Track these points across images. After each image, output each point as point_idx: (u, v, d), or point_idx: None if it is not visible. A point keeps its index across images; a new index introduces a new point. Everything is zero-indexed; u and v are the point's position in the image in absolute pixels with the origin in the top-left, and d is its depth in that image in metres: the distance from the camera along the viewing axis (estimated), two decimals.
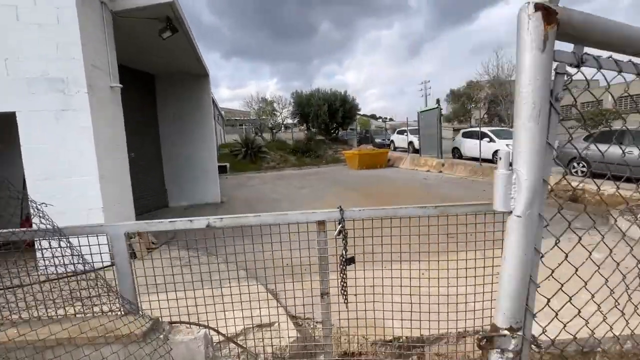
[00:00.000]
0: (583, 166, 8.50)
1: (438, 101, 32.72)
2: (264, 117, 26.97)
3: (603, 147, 1.13)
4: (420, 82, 65.09)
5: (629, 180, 1.18)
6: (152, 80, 8.03)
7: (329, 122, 22.01)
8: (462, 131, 14.49)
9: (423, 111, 14.40)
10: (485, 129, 12.68)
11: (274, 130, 23.58)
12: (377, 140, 21.79)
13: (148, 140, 7.90)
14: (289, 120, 26.22)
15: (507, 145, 11.40)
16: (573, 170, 8.82)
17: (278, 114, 26.54)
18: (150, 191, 7.93)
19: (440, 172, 12.70)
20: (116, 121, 4.50)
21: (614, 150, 1.42)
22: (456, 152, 14.27)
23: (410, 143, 17.36)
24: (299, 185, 11.48)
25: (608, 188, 7.10)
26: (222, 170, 18.51)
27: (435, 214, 1.68)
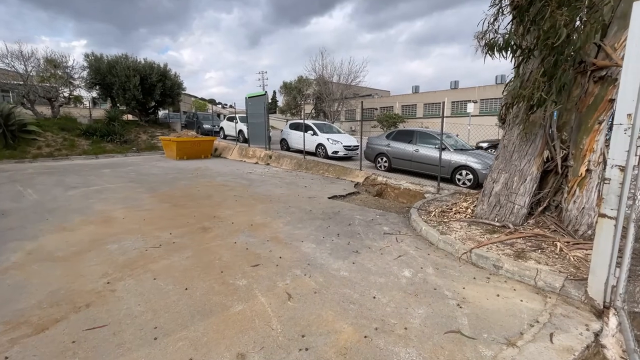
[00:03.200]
0: (386, 161, 9.56)
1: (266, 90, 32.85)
2: (51, 84, 18.91)
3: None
4: (258, 72, 65.00)
5: None
6: None
7: (142, 99, 17.62)
8: (288, 122, 14.36)
9: (251, 97, 13.31)
10: (309, 122, 12.85)
11: (55, 103, 16.81)
12: (206, 126, 19.32)
13: None
14: (85, 93, 19.49)
15: (328, 139, 11.85)
16: (378, 165, 9.81)
17: (73, 81, 19.20)
18: None
19: (268, 164, 12.01)
20: None
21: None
22: (284, 144, 14.04)
23: (240, 132, 16.06)
24: (74, 182, 8.01)
25: (403, 183, 8.13)
26: None
27: None
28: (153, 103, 19.17)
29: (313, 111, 31.36)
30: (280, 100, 39.53)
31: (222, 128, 18.34)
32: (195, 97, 67.12)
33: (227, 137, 17.82)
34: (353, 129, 33.75)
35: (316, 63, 32.53)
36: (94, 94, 18.62)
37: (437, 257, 3.83)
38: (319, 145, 12.12)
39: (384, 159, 9.59)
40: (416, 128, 9.99)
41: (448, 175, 7.89)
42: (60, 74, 17.56)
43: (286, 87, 32.68)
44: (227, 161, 13.37)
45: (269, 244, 4.16)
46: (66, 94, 18.06)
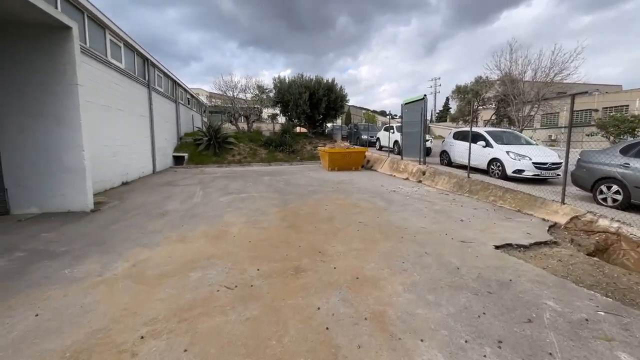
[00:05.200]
0: (617, 191, 5.73)
1: (443, 95, 29.49)
2: (255, 105, 24.29)
3: None
4: (431, 79, 61.30)
5: None
6: None
7: (310, 112, 19.22)
8: (452, 131, 11.65)
9: (407, 102, 11.61)
10: (480, 129, 9.84)
11: (251, 120, 20.90)
12: (364, 137, 18.99)
13: None
14: (272, 111, 23.47)
15: (507, 152, 8.61)
16: (599, 197, 6.03)
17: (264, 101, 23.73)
18: None
19: (420, 182, 9.95)
20: None
21: None
22: (445, 157, 11.48)
23: (396, 142, 14.60)
24: (234, 188, 8.91)
25: None
26: (179, 161, 16.09)
27: None
28: (320, 116, 20.61)
29: (494, 117, 25.81)
30: (453, 107, 35.30)
31: (378, 139, 17.48)
32: (367, 109, 70.77)
33: (383, 148, 16.78)
34: (553, 137, 25.51)
35: (501, 59, 26.39)
36: (277, 110, 21.92)
37: None
38: (493, 160, 9.01)
39: (614, 187, 5.76)
40: None
41: None
42: (264, 97, 21.74)
43: (459, 91, 28.54)
44: (376, 175, 12.19)
45: (365, 329, 2.52)
46: (258, 112, 22.10)
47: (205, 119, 24.90)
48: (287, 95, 19.31)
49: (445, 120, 47.65)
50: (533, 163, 8.14)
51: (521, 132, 14.52)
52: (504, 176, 8.50)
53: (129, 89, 10.51)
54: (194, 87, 33.74)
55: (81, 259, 3.94)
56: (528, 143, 9.43)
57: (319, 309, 2.82)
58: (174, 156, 15.95)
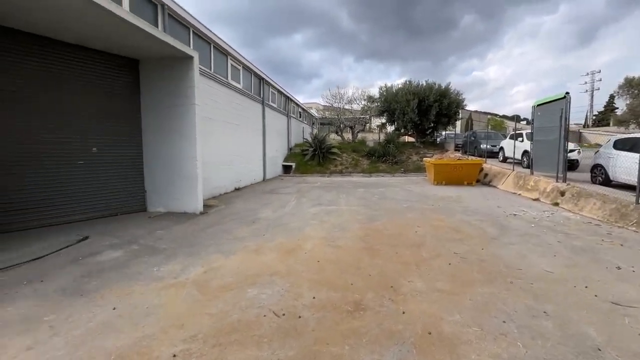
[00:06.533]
0: None
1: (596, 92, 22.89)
2: (363, 115, 24.58)
3: None
4: (586, 73, 48.38)
5: None
6: (135, 67, 7.02)
7: (418, 120, 17.83)
8: (612, 138, 8.55)
9: (540, 104, 9.20)
10: None
11: (356, 130, 20.91)
12: (483, 147, 16.33)
13: (127, 135, 6.96)
14: (379, 121, 22.95)
15: None
16: None
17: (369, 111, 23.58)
18: (125, 192, 7.01)
19: (556, 204, 7.65)
20: None
21: None
22: (598, 173, 8.57)
23: (525, 153, 11.91)
24: (325, 199, 8.83)
25: None
26: (287, 170, 17.39)
27: None
28: (430, 124, 18.91)
29: None
30: (621, 106, 26.97)
31: (501, 148, 14.71)
32: (495, 115, 61.80)
33: (508, 160, 14.01)
34: None
35: None
36: (383, 119, 21.28)
37: None
38: None
39: None
40: None
41: None
42: (373, 106, 21.71)
43: (631, 85, 21.65)
44: (494, 192, 10.14)
45: None
46: (364, 123, 21.96)
47: (315, 131, 26.47)
48: (393, 104, 18.51)
49: (608, 125, 36.75)
50: None
51: None
52: None
53: (245, 105, 11.92)
54: (311, 102, 36.48)
55: (171, 258, 4.38)
56: None
57: None
58: (283, 165, 17.33)
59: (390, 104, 18.70)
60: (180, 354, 2.40)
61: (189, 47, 7.64)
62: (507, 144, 14.18)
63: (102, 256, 4.42)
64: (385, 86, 19.93)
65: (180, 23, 8.06)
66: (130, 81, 6.95)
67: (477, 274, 3.76)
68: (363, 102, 24.01)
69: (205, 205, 7.46)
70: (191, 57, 6.84)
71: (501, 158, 14.48)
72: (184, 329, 2.71)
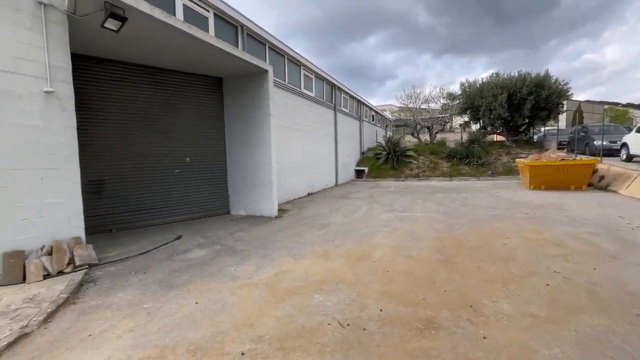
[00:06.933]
0: None
1: None
2: (443, 114, 23.07)
3: None
4: None
5: None
6: (220, 84, 7.85)
7: (508, 117, 15.76)
8: None
9: None
10: None
11: (434, 131, 19.55)
12: (596, 143, 13.55)
13: (214, 145, 7.83)
14: (461, 119, 21.05)
15: None
16: None
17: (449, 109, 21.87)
18: (213, 197, 7.87)
19: None
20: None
21: None
22: None
23: None
24: (399, 205, 8.42)
25: None
26: (360, 174, 17.29)
27: None
28: (523, 119, 16.54)
29: None
30: None
31: (624, 144, 11.95)
32: (615, 104, 51.03)
33: (634, 159, 11.33)
34: None
35: None
36: (466, 118, 19.46)
37: None
38: None
39: None
40: None
41: None
42: (454, 104, 20.24)
43: None
44: (613, 198, 8.27)
45: None
46: (443, 122, 20.43)
47: (389, 133, 25.70)
48: (477, 100, 16.77)
49: None
50: None
51: None
52: None
53: (317, 112, 12.26)
54: (385, 104, 35.71)
55: (247, 259, 4.70)
56: None
57: None
58: (355, 170, 17.25)
59: (474, 100, 16.99)
60: (248, 352, 2.50)
61: (265, 61, 8.23)
62: (632, 139, 11.45)
63: (190, 254, 5.00)
64: (467, 81, 18.23)
65: (257, 40, 8.75)
66: (217, 97, 7.81)
67: (585, 299, 3.06)
68: (442, 101, 22.41)
69: (279, 209, 7.86)
70: (266, 71, 7.32)
71: (624, 157, 11.76)
72: (252, 329, 2.84)
